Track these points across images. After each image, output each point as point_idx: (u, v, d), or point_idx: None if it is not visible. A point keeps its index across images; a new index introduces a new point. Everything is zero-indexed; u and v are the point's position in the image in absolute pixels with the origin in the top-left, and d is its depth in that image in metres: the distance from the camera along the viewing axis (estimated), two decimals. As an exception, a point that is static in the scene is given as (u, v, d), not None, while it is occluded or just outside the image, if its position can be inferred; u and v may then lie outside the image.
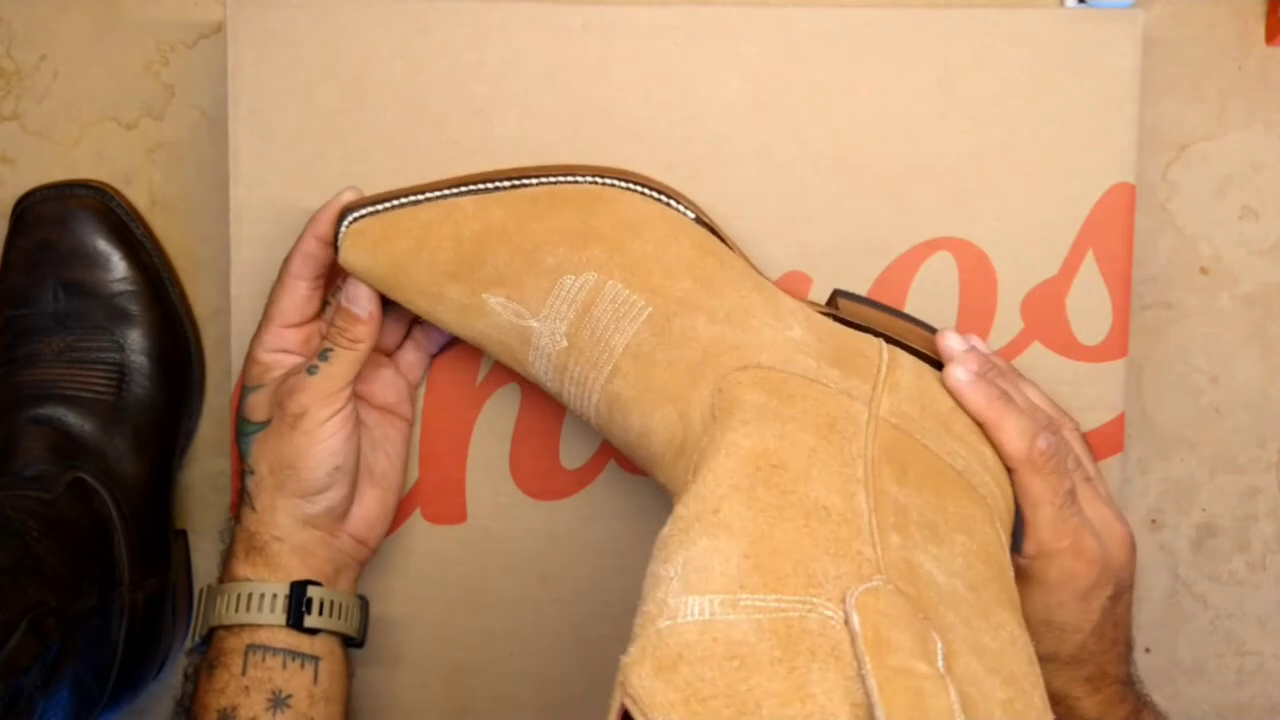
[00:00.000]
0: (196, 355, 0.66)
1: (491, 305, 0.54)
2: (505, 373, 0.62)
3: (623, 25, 0.60)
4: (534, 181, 0.55)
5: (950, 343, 0.55)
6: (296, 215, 0.60)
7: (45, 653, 0.53)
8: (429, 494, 0.62)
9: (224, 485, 0.66)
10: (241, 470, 0.57)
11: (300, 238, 0.57)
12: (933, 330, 0.57)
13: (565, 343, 0.53)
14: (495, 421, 0.62)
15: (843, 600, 0.40)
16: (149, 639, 0.63)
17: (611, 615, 0.63)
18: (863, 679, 0.37)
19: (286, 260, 0.57)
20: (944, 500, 0.48)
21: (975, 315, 0.61)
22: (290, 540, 0.55)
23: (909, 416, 0.51)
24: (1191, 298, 0.67)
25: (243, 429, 0.57)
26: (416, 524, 0.62)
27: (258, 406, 0.56)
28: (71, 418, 0.61)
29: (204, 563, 0.67)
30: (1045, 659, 0.53)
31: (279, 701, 0.53)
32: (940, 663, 0.39)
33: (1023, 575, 0.52)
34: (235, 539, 0.56)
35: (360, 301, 0.55)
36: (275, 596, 0.54)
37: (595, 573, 0.63)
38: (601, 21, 0.60)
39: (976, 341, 0.57)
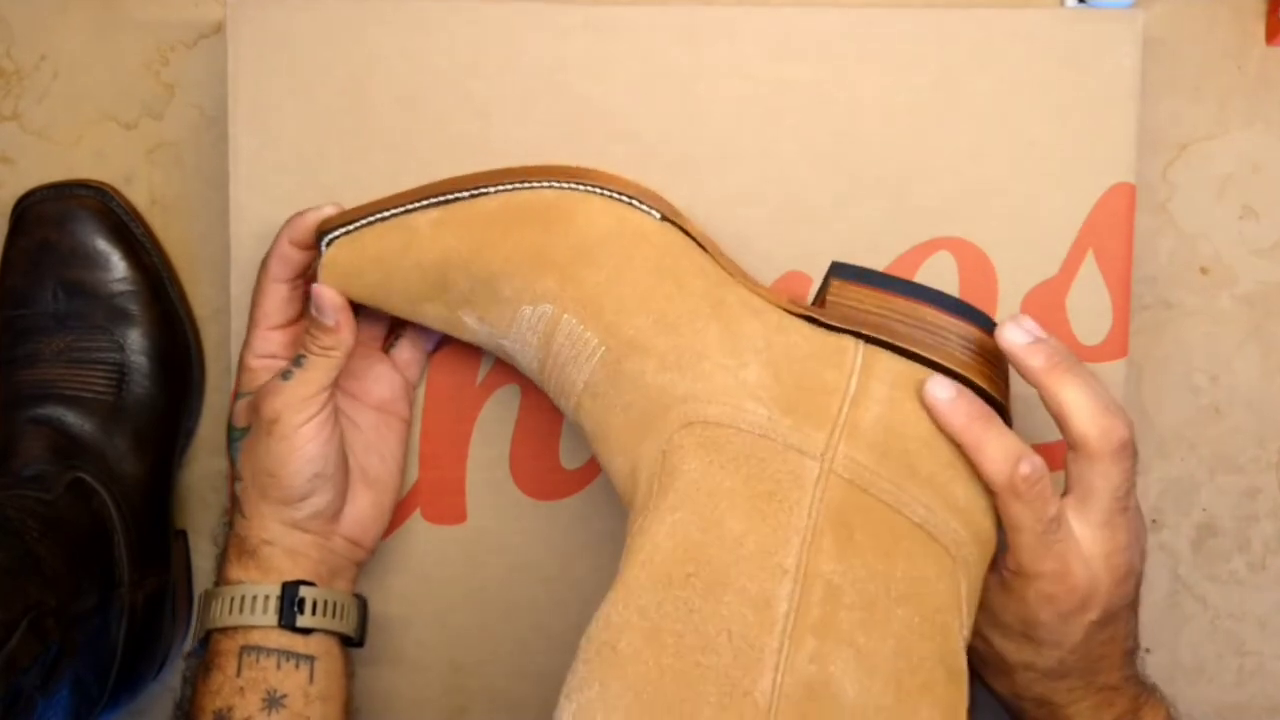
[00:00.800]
0: (196, 355, 0.66)
1: (468, 323, 0.55)
2: (505, 373, 0.62)
3: (623, 25, 0.60)
4: (492, 190, 0.54)
5: (1011, 337, 0.51)
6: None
7: (45, 653, 0.53)
8: (429, 494, 0.62)
9: (223, 485, 0.66)
10: (232, 475, 0.57)
11: (275, 241, 0.57)
12: (945, 302, 0.53)
13: (536, 365, 0.54)
14: (495, 421, 0.62)
15: None
16: (149, 639, 0.63)
17: (611, 615, 0.63)
18: None
19: (264, 264, 0.57)
20: (893, 564, 0.47)
21: (975, 315, 0.61)
22: (281, 543, 0.56)
23: (864, 469, 0.49)
24: (1191, 298, 0.67)
25: (230, 435, 0.57)
26: (416, 524, 0.62)
27: (242, 412, 0.57)
28: (71, 418, 0.61)
29: (204, 563, 0.67)
30: (1024, 667, 0.53)
31: (274, 701, 0.53)
32: None
33: (1003, 587, 0.51)
34: (228, 543, 0.57)
35: (326, 310, 0.54)
36: (267, 598, 0.54)
37: (595, 573, 0.63)
38: (601, 21, 0.60)
39: (1034, 328, 0.51)
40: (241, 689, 0.53)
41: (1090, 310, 0.61)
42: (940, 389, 0.50)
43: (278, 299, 0.57)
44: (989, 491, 0.50)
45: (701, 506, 0.47)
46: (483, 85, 0.60)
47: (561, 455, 0.62)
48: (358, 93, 0.60)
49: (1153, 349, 0.67)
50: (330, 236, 0.54)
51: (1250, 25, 0.65)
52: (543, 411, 0.62)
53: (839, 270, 0.54)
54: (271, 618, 0.54)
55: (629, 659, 0.44)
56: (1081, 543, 0.50)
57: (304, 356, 0.55)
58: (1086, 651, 0.52)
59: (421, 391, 0.62)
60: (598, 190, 0.54)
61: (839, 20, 0.60)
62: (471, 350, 0.61)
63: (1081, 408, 0.49)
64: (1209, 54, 0.66)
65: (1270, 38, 0.65)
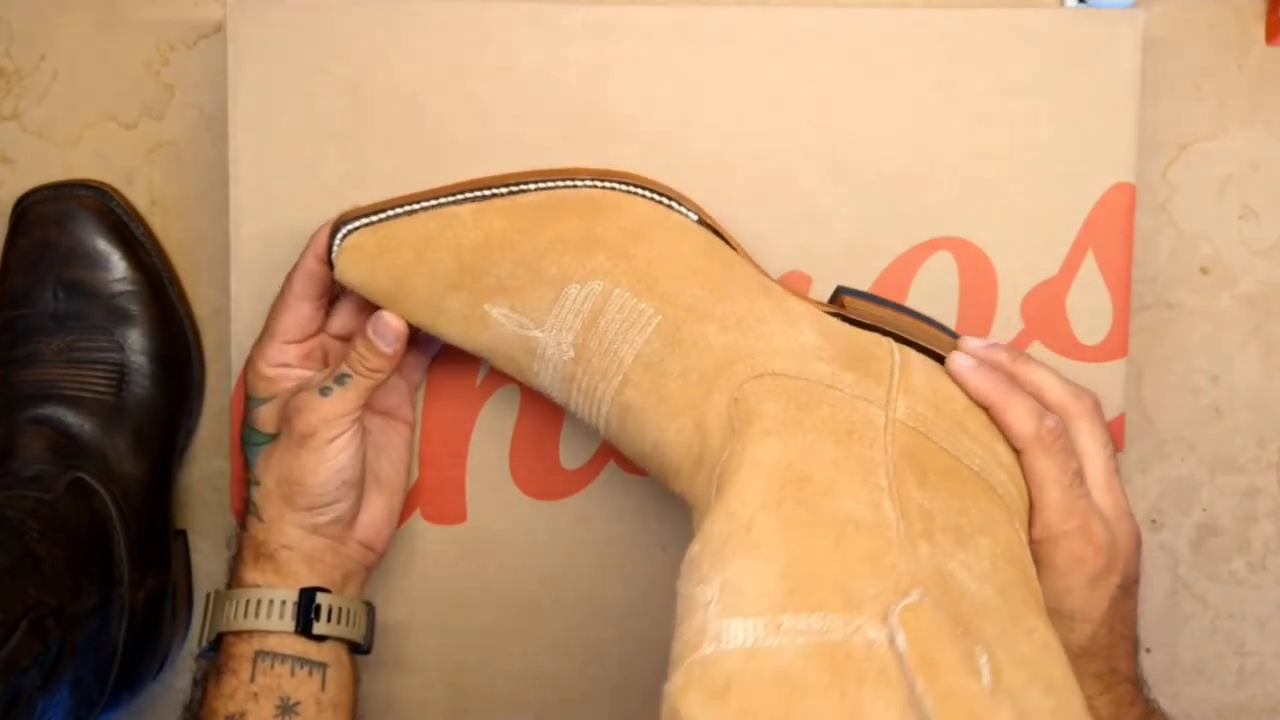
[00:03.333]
0: (196, 355, 0.66)
1: (494, 316, 0.53)
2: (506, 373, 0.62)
3: (623, 25, 0.60)
4: (533, 187, 0.55)
5: (970, 344, 0.55)
6: (296, 215, 0.60)
7: (45, 653, 0.53)
8: (429, 494, 0.62)
9: (224, 485, 0.66)
10: (246, 479, 0.57)
11: (302, 256, 0.56)
12: (939, 325, 0.56)
13: (572, 353, 0.53)
14: (495, 421, 0.62)
15: (885, 619, 0.39)
16: (149, 639, 0.63)
17: (611, 615, 0.63)
18: (918, 702, 0.37)
19: (289, 279, 0.56)
20: (966, 502, 0.48)
21: (975, 315, 0.61)
22: (299, 548, 0.56)
23: (925, 418, 0.51)
24: (1191, 298, 0.67)
25: (250, 438, 0.57)
26: (416, 524, 0.62)
27: (267, 419, 0.56)
28: (71, 418, 0.61)
29: (204, 563, 0.67)
30: None
31: (287, 708, 0.53)
32: (987, 677, 0.39)
33: (1033, 560, 0.52)
34: (243, 545, 0.56)
35: (388, 337, 0.54)
36: (284, 603, 0.54)
37: (595, 573, 0.63)
38: (601, 21, 0.60)
39: (979, 343, 0.57)
40: (255, 694, 0.53)
41: (1090, 310, 0.61)
42: (962, 359, 0.54)
43: (300, 317, 0.56)
44: (1017, 453, 0.53)
45: (792, 434, 0.47)
46: (483, 85, 0.60)
47: (561, 455, 0.62)
48: (358, 93, 0.60)
49: (1153, 349, 0.67)
50: (350, 227, 0.54)
51: (1250, 25, 0.66)
52: (543, 411, 0.62)
53: (848, 291, 0.57)
54: (288, 623, 0.54)
55: (766, 538, 0.42)
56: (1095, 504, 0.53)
57: (348, 376, 0.54)
58: (1112, 625, 0.53)
59: (421, 392, 0.62)
60: (639, 190, 0.55)
61: (839, 20, 0.60)
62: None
63: (1051, 382, 0.54)
64: (1209, 54, 0.66)
65: (1270, 38, 0.65)
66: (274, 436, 0.56)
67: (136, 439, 0.62)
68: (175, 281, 0.65)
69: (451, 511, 0.63)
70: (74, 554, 0.57)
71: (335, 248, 0.54)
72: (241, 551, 0.56)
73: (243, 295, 0.61)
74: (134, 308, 0.63)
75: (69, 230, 0.62)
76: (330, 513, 0.55)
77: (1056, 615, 0.52)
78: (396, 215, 0.54)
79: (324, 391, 0.54)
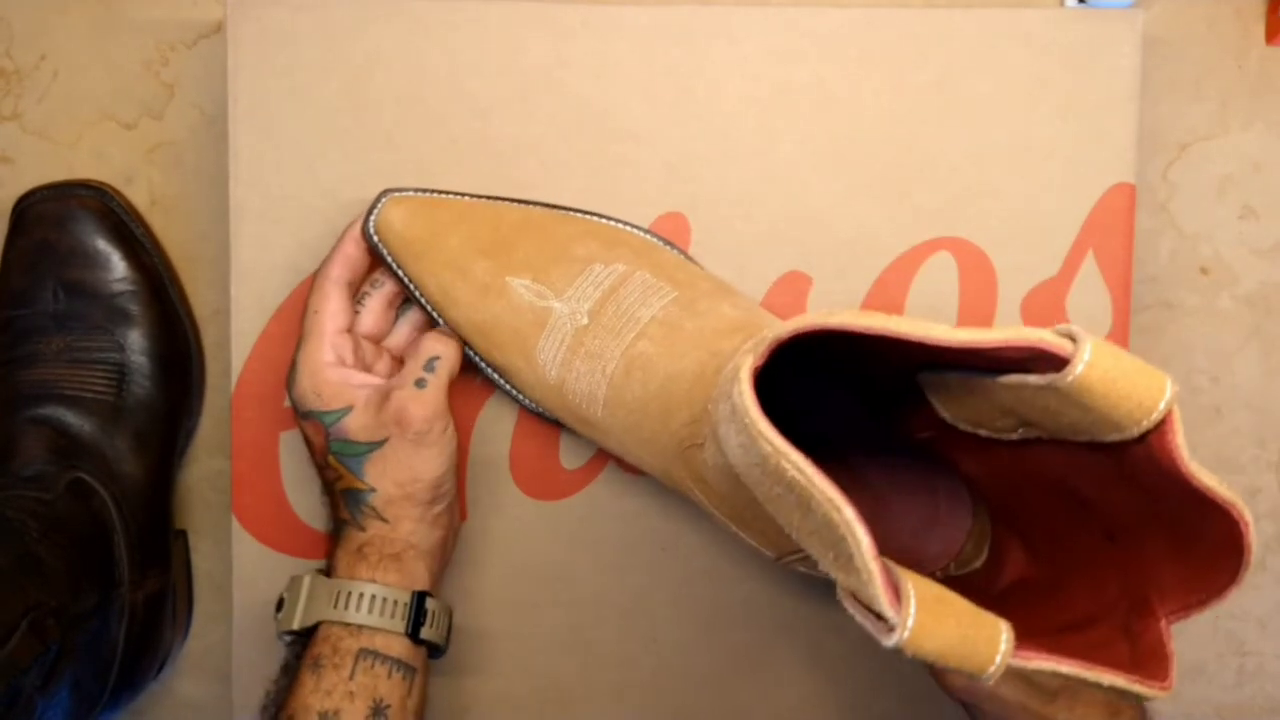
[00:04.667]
0: (196, 355, 0.66)
1: (514, 287, 0.55)
2: (505, 373, 0.62)
3: (623, 25, 0.60)
4: (577, 214, 0.59)
5: None
6: (296, 215, 0.60)
7: (45, 653, 0.53)
8: (429, 494, 0.62)
9: (224, 485, 0.66)
10: (345, 487, 0.56)
11: (340, 243, 0.57)
12: None
13: (586, 320, 0.54)
14: (495, 421, 0.62)
15: None
16: (149, 639, 0.63)
17: (611, 615, 0.63)
18: None
19: (323, 268, 0.57)
20: None
21: (975, 315, 0.61)
22: (422, 545, 0.56)
23: None
24: (1191, 298, 0.67)
25: (350, 450, 0.55)
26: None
27: (362, 428, 0.55)
28: (71, 418, 0.61)
29: (204, 563, 0.67)
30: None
31: (378, 711, 0.52)
32: None
33: None
34: (360, 543, 0.55)
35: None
36: (399, 603, 0.54)
37: (595, 573, 0.63)
38: (601, 21, 0.60)
39: None
40: (352, 694, 0.52)
41: (1090, 310, 0.61)
42: None
43: (342, 301, 0.57)
44: None
45: None
46: (483, 85, 0.60)
47: (561, 455, 0.62)
48: (358, 93, 0.60)
49: (1153, 349, 0.67)
50: (398, 191, 0.57)
51: (1250, 25, 0.65)
52: (543, 411, 0.62)
53: None
54: (399, 624, 0.54)
55: None
56: None
57: (436, 359, 0.55)
58: None
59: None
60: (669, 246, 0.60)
61: (839, 20, 0.60)
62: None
63: None
64: (1209, 54, 0.66)
65: (1270, 38, 0.65)
66: (376, 444, 0.55)
67: (136, 439, 0.62)
68: (175, 281, 0.65)
69: (451, 511, 0.63)
70: (74, 554, 0.57)
71: (378, 206, 0.56)
72: (361, 548, 0.55)
73: (243, 295, 0.61)
74: (134, 308, 0.63)
75: (69, 230, 0.62)
76: (445, 501, 0.57)
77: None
78: (446, 194, 0.58)
79: (420, 384, 0.55)
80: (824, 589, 0.62)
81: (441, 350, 0.56)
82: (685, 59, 0.60)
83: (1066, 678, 0.47)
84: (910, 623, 0.35)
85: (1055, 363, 0.37)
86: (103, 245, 0.63)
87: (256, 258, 0.61)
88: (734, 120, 0.61)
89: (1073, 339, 0.36)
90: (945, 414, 0.47)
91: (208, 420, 0.66)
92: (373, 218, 0.56)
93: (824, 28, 0.60)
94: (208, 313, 0.66)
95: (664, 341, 0.53)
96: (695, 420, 0.50)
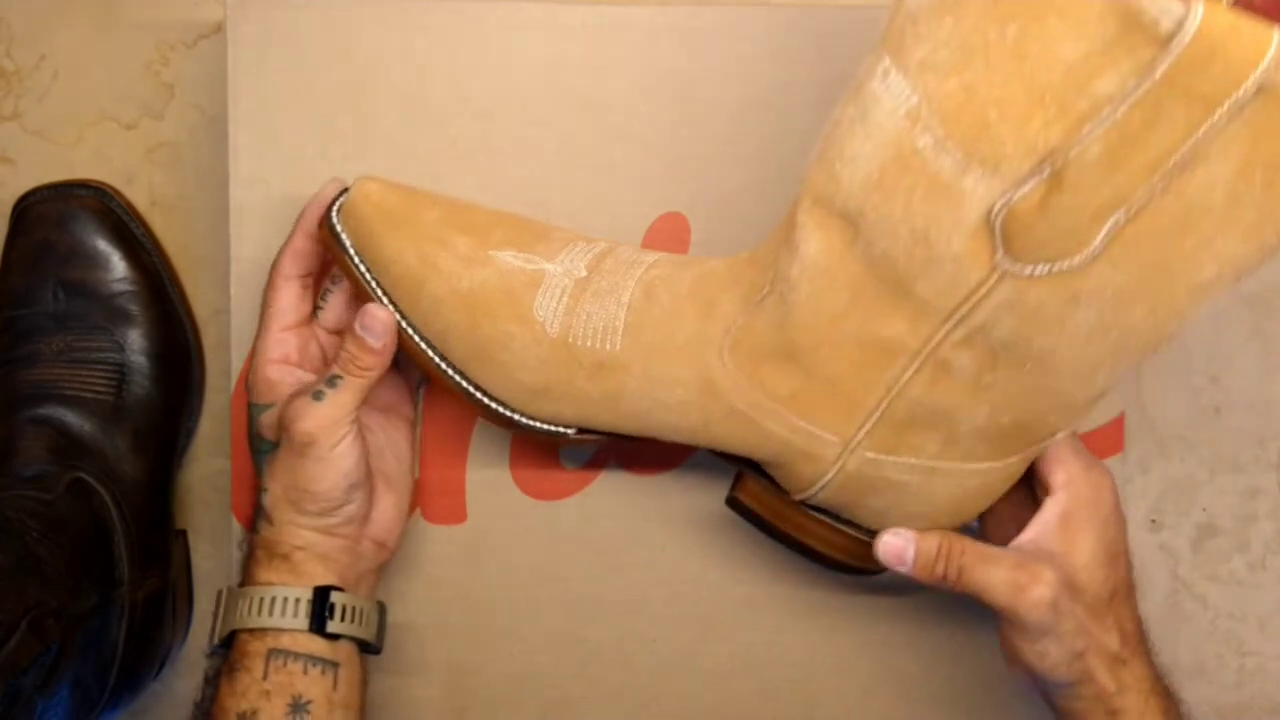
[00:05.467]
0: (196, 355, 0.66)
1: (501, 257, 0.54)
2: (505, 373, 0.62)
3: (623, 25, 0.60)
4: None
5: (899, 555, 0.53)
6: (296, 215, 0.60)
7: (45, 653, 0.53)
8: (429, 494, 0.62)
9: (224, 485, 0.66)
10: (256, 483, 0.57)
11: (290, 237, 0.57)
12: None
13: (585, 273, 0.53)
14: (495, 421, 0.62)
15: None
16: (149, 639, 0.63)
17: (611, 615, 0.63)
18: None
19: (275, 263, 0.57)
20: None
21: (975, 315, 0.61)
22: (313, 549, 0.55)
23: None
24: (1191, 298, 0.67)
25: (257, 446, 0.57)
26: (416, 524, 0.62)
27: (269, 426, 0.56)
28: (71, 418, 0.61)
29: (204, 563, 0.67)
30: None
31: (299, 707, 0.53)
32: None
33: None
34: (255, 545, 0.56)
35: (376, 331, 0.54)
36: (299, 601, 0.54)
37: (595, 573, 0.63)
38: (601, 21, 0.60)
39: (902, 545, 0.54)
40: (267, 692, 0.53)
41: (1090, 310, 0.61)
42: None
43: (291, 296, 0.57)
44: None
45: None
46: (483, 85, 0.60)
47: (561, 455, 0.62)
48: (358, 93, 0.60)
49: (1153, 349, 0.67)
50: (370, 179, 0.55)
51: (1250, 25, 0.65)
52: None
53: None
54: (302, 621, 0.54)
55: None
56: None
57: (339, 377, 0.54)
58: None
59: (421, 392, 0.62)
60: None
61: (839, 20, 0.60)
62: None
63: (996, 584, 0.51)
64: (1209, 54, 0.65)
65: (1270, 38, 0.65)
66: (275, 444, 0.56)
67: (136, 439, 0.62)
68: (175, 281, 0.65)
69: (451, 511, 0.63)
70: (74, 554, 0.57)
71: (343, 195, 0.55)
72: (254, 551, 0.56)
73: (243, 295, 0.61)
74: (134, 308, 0.63)
75: (69, 230, 0.62)
76: (341, 515, 0.55)
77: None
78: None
79: (317, 396, 0.54)
80: (824, 588, 0.63)
81: (342, 373, 0.54)
82: (685, 59, 0.60)
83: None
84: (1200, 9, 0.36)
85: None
86: (103, 245, 0.63)
87: (256, 258, 0.60)
88: (734, 120, 0.61)
89: None
90: None
91: (208, 420, 0.66)
92: (338, 204, 0.55)
93: (824, 28, 0.60)
94: (208, 313, 0.66)
95: (680, 266, 0.53)
96: (750, 281, 0.50)
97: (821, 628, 0.63)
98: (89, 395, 0.61)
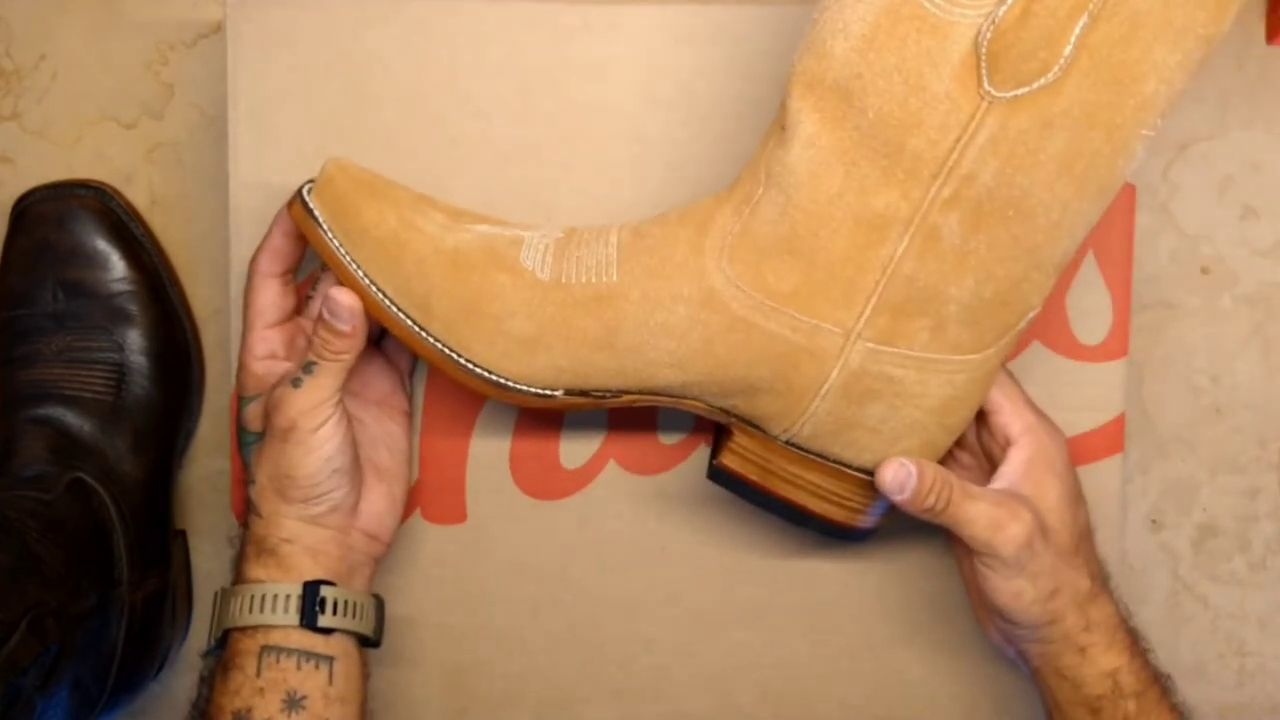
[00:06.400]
0: (196, 355, 0.66)
1: (478, 227, 0.55)
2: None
3: (623, 25, 0.60)
4: None
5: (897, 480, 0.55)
6: (296, 215, 0.60)
7: (45, 653, 0.53)
8: (429, 494, 0.62)
9: (224, 485, 0.66)
10: (246, 478, 0.57)
11: (268, 235, 0.57)
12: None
13: (562, 234, 0.55)
14: (495, 421, 0.62)
15: None
16: (148, 639, 0.63)
17: (611, 615, 0.63)
18: None
19: (253, 261, 0.57)
20: None
21: (975, 315, 0.61)
22: (300, 541, 0.55)
23: None
24: (1192, 298, 0.67)
25: (243, 439, 0.57)
26: (416, 524, 0.62)
27: (255, 417, 0.56)
28: (71, 418, 0.61)
29: (204, 563, 0.67)
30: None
31: (294, 703, 0.53)
32: None
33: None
34: (245, 542, 0.56)
35: (342, 315, 0.53)
36: (288, 597, 0.54)
37: (595, 573, 0.63)
38: (601, 21, 0.60)
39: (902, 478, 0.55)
40: (261, 689, 0.53)
41: (1090, 310, 0.61)
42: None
43: (271, 294, 0.57)
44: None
45: None
46: (483, 85, 0.60)
47: (561, 455, 0.62)
48: (358, 93, 0.60)
49: (1153, 349, 0.67)
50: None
51: (1250, 25, 0.65)
52: (543, 411, 0.62)
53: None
54: (293, 617, 0.54)
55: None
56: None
57: (314, 363, 0.54)
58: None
59: (421, 391, 0.62)
60: None
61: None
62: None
63: (977, 519, 0.54)
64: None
65: (1270, 38, 0.65)
66: (259, 434, 0.56)
67: (136, 439, 0.62)
68: (175, 281, 0.65)
69: (451, 511, 0.63)
70: (74, 554, 0.57)
71: (310, 181, 0.55)
72: (244, 548, 0.56)
73: (242, 295, 0.61)
74: (134, 308, 0.63)
75: (69, 230, 0.62)
76: (325, 503, 0.55)
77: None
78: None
79: (295, 383, 0.54)
80: (823, 589, 0.62)
81: (325, 354, 0.54)
82: (685, 59, 0.60)
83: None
84: None
85: None
86: (102, 245, 0.63)
87: (256, 258, 0.60)
88: (733, 120, 0.61)
89: None
90: None
91: (207, 420, 0.66)
92: (309, 184, 0.55)
93: (824, 28, 0.60)
94: (208, 313, 0.66)
95: (659, 215, 0.55)
96: (741, 202, 0.52)
97: (821, 628, 0.63)
98: (88, 395, 0.61)
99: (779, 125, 0.52)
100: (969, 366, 0.53)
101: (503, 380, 0.54)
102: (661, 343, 0.53)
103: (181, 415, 0.65)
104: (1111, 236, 0.61)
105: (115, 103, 0.65)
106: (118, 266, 0.63)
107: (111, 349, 0.62)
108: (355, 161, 0.56)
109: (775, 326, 0.52)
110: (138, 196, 0.65)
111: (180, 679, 0.67)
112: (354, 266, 0.54)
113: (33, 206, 0.63)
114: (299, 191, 0.55)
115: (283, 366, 0.57)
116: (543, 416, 0.62)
